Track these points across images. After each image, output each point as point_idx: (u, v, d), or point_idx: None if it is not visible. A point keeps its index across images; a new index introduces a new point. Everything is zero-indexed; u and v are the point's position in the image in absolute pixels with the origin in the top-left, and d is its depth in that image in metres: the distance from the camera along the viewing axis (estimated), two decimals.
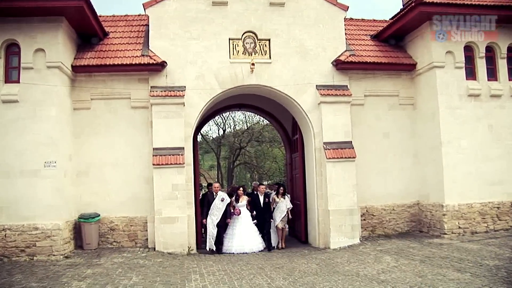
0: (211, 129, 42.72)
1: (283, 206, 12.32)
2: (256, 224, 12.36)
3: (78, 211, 11.28)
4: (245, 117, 35.93)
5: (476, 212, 11.75)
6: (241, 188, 12.91)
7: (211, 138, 37.07)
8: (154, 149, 11.36)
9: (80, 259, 9.94)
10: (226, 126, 36.53)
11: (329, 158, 11.89)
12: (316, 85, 12.37)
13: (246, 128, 36.17)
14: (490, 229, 11.70)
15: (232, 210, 12.09)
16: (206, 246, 11.73)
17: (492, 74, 12.49)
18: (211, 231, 11.71)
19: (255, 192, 13.07)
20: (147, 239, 11.49)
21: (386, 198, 12.76)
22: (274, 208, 12.47)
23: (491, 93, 12.22)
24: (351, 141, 12.18)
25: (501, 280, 7.34)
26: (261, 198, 12.64)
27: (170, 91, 11.63)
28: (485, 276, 7.61)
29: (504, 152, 12.12)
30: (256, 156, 38.09)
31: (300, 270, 8.89)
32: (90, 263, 9.57)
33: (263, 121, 36.39)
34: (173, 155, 11.31)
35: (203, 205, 12.21)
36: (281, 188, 12.72)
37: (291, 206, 12.63)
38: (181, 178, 11.29)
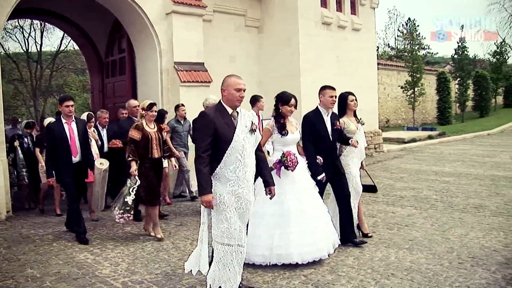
0: None
1: (361, 142, 5.58)
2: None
3: None
4: None
5: None
6: (292, 100, 4.83)
7: None
8: None
9: None
10: None
11: (184, 81, 9.58)
12: None
13: None
14: None
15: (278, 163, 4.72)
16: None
17: (338, 5, 12.14)
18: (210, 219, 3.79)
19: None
20: None
21: None
22: None
23: (339, 23, 11.93)
24: (204, 63, 10.11)
25: None
26: (328, 121, 5.23)
27: None
28: None
29: (347, 86, 12.07)
30: None
31: None
32: None
33: None
34: None
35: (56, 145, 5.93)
36: (351, 96, 5.61)
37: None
38: None
